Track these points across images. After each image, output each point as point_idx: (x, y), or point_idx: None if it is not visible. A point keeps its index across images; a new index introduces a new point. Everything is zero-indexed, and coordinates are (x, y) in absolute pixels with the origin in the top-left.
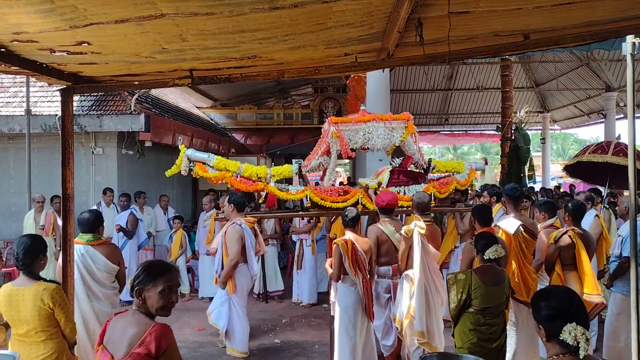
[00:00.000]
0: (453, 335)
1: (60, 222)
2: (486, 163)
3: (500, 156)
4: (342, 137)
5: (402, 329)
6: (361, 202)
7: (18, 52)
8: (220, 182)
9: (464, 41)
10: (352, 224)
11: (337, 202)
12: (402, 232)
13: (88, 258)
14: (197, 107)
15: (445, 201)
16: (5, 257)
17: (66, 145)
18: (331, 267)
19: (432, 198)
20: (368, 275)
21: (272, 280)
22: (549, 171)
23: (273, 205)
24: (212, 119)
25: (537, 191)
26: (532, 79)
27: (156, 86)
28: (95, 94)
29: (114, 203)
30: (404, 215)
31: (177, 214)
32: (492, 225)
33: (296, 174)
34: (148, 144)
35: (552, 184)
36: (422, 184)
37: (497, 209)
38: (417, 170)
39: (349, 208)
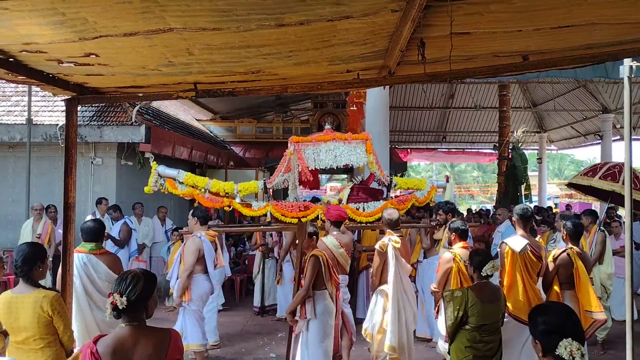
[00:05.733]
0: (450, 351)
1: (57, 232)
2: (447, 180)
3: (497, 175)
4: (302, 157)
5: (372, 342)
6: (321, 218)
7: (26, 62)
8: (189, 198)
9: (465, 61)
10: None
11: (297, 218)
12: (377, 247)
13: (90, 267)
14: (197, 119)
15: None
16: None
17: (69, 154)
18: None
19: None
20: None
21: (271, 294)
22: (546, 191)
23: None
24: (211, 132)
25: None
26: (529, 99)
27: (160, 98)
28: (96, 105)
29: (108, 213)
30: (361, 230)
31: (175, 226)
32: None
33: (261, 189)
34: (148, 154)
35: (547, 204)
36: (381, 201)
37: None
38: (378, 188)
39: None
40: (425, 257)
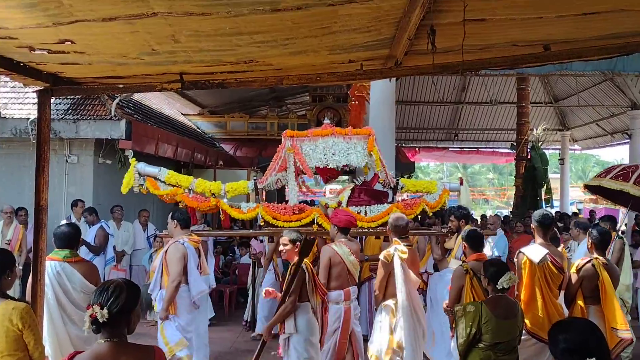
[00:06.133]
0: None
1: (29, 237)
2: (461, 183)
3: (515, 177)
4: (300, 153)
5: None
6: (317, 222)
7: None
8: (172, 198)
9: (479, 51)
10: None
11: (291, 222)
12: (381, 257)
13: (64, 276)
14: (182, 114)
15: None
16: None
17: (41, 151)
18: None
19: None
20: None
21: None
22: (568, 195)
23: (227, 224)
24: (198, 128)
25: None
26: (550, 93)
27: (142, 90)
28: (72, 97)
29: (83, 216)
30: (363, 237)
31: (157, 231)
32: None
33: (252, 190)
34: (129, 152)
35: (570, 209)
36: (386, 204)
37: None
38: (382, 190)
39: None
40: (436, 269)
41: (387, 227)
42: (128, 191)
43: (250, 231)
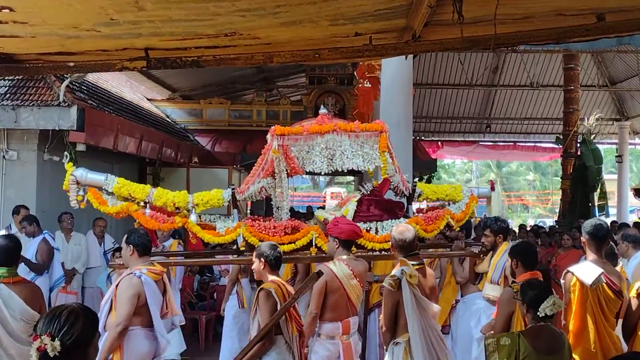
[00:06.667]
0: None
1: None
2: (492, 188)
3: (561, 178)
4: (290, 155)
5: None
6: (316, 244)
7: None
8: (123, 216)
9: (516, 22)
10: (277, 265)
11: (282, 244)
12: (385, 284)
13: (0, 301)
14: (148, 99)
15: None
16: None
17: None
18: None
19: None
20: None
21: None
22: (627, 200)
23: (198, 247)
24: (168, 116)
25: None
26: (605, 75)
27: (99, 70)
28: (10, 78)
29: (22, 225)
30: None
31: (117, 245)
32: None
33: (228, 202)
34: (81, 147)
35: (630, 218)
36: (402, 219)
37: (503, 248)
38: (397, 200)
39: (266, 244)
40: (464, 294)
41: (390, 244)
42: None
43: (232, 257)
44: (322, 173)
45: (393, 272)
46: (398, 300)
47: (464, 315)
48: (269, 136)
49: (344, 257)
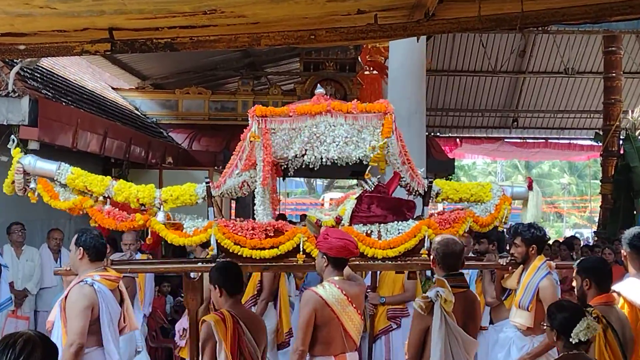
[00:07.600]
0: None
1: None
2: (530, 187)
3: (601, 182)
4: (269, 141)
5: None
6: (304, 249)
7: None
8: (79, 213)
9: None
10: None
11: (263, 249)
12: (415, 305)
13: None
14: (114, 88)
15: None
16: None
17: None
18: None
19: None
20: None
21: None
22: None
23: (154, 248)
24: (137, 108)
25: None
26: None
27: (55, 54)
28: None
29: None
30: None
31: None
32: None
33: (202, 198)
34: (34, 145)
35: None
36: (411, 221)
37: (536, 263)
38: (406, 198)
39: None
40: (496, 320)
41: (431, 256)
42: (30, 201)
43: (200, 264)
44: (313, 167)
45: (429, 292)
46: (428, 327)
47: (494, 347)
48: (250, 120)
49: (335, 278)
